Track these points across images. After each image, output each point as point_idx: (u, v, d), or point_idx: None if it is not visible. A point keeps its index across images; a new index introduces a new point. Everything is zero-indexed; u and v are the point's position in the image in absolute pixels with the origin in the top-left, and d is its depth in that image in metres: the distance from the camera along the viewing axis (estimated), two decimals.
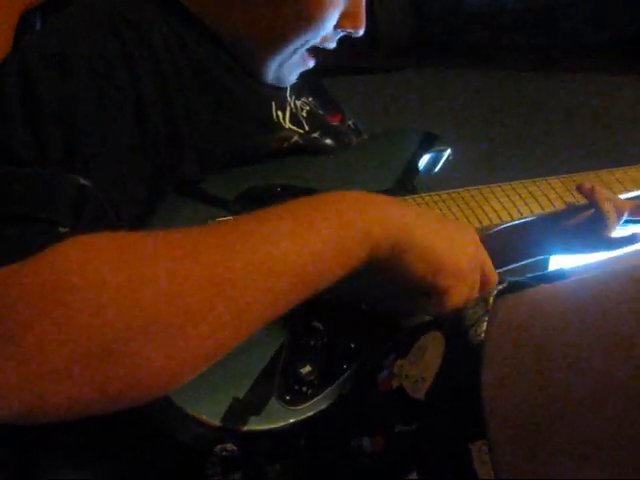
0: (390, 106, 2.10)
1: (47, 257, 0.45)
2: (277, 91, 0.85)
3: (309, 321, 0.64)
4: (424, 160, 0.89)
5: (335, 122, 0.94)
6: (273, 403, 0.58)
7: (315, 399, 0.60)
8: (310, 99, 0.92)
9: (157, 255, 0.47)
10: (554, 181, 0.94)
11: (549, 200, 0.91)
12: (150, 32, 0.69)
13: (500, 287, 0.58)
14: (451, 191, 0.86)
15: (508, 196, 0.88)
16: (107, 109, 0.63)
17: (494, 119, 2.17)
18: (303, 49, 0.80)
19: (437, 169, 0.92)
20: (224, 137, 0.74)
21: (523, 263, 1.02)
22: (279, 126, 0.82)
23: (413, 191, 0.83)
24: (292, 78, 0.85)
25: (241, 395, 0.58)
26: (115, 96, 0.63)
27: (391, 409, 0.57)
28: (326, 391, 0.61)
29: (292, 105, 0.86)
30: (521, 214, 0.88)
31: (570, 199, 0.93)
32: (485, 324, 0.54)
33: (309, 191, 0.77)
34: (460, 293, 0.61)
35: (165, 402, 0.54)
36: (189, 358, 0.48)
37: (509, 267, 1.01)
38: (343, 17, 0.79)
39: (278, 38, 0.78)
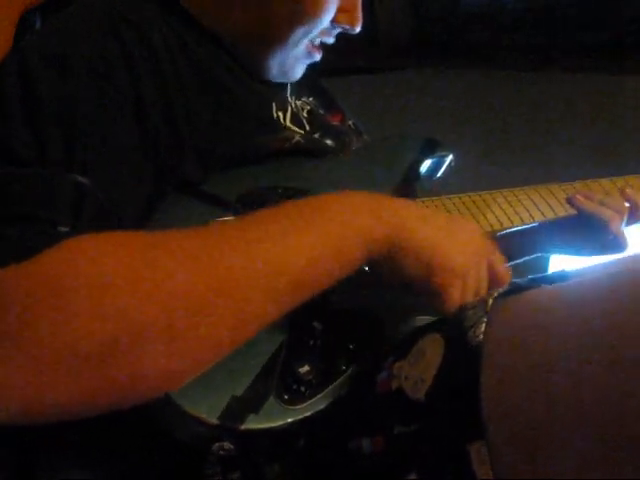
0: (390, 106, 2.10)
1: (46, 257, 0.45)
2: (278, 91, 0.85)
3: (309, 321, 0.64)
4: (425, 165, 0.89)
5: (336, 122, 0.94)
6: (271, 402, 0.59)
7: (313, 399, 0.60)
8: (311, 99, 0.92)
9: (157, 256, 0.47)
10: (555, 188, 0.94)
11: (550, 207, 0.91)
12: (150, 32, 0.69)
13: (500, 289, 0.58)
14: (452, 196, 0.86)
15: (509, 202, 0.89)
16: (107, 109, 0.63)
17: (494, 119, 2.17)
18: (304, 42, 0.80)
19: (439, 175, 0.92)
20: (224, 137, 0.74)
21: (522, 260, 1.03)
22: (280, 126, 0.82)
23: (413, 196, 0.83)
24: (298, 72, 0.85)
25: (239, 393, 0.58)
26: (115, 96, 0.63)
27: (390, 410, 0.57)
28: (324, 391, 0.61)
29: (293, 105, 0.86)
30: (522, 220, 0.88)
31: None
32: (484, 325, 0.54)
33: (310, 193, 0.77)
34: (457, 292, 0.61)
35: (163, 400, 0.54)
36: (189, 359, 0.47)
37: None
38: (340, 12, 0.79)
39: (277, 32, 0.78)
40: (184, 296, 0.46)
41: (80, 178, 0.57)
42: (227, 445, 0.57)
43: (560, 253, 1.01)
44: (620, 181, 0.99)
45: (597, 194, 0.93)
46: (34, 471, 0.62)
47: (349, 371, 0.63)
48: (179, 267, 0.47)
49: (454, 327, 0.57)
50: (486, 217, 0.85)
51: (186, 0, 0.77)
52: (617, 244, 0.91)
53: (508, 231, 0.89)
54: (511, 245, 0.99)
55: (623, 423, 0.44)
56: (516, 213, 0.88)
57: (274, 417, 0.58)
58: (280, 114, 0.83)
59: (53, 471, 0.63)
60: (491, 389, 0.50)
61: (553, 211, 0.92)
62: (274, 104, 0.82)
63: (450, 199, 0.85)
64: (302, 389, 0.60)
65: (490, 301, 0.56)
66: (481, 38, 2.26)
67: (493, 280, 0.66)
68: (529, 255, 1.01)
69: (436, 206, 0.83)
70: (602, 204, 0.91)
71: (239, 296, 0.49)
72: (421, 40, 2.28)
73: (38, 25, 0.89)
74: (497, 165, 1.95)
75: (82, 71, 0.63)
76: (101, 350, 0.43)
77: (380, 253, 0.58)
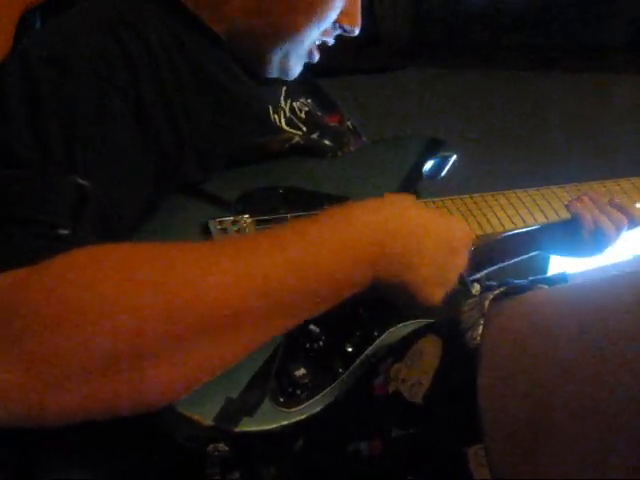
0: (390, 106, 2.10)
1: (55, 267, 0.45)
2: (272, 94, 0.85)
3: (306, 324, 0.64)
4: (428, 165, 0.89)
5: (334, 123, 0.94)
6: (267, 405, 0.58)
7: (309, 402, 0.60)
8: (309, 100, 0.92)
9: (160, 271, 0.47)
10: (559, 190, 0.94)
11: (553, 209, 0.91)
12: (148, 33, 0.69)
13: (497, 291, 0.58)
14: (454, 197, 0.85)
15: (512, 204, 0.88)
16: (107, 110, 0.63)
17: (494, 119, 2.17)
18: (307, 42, 0.81)
19: (442, 175, 0.92)
20: (224, 137, 0.74)
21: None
22: (279, 128, 0.82)
23: (415, 196, 0.83)
24: (297, 71, 0.85)
25: (235, 396, 0.58)
26: (115, 97, 0.63)
27: (388, 413, 0.57)
28: (320, 394, 0.61)
29: (287, 109, 0.86)
30: (525, 223, 0.88)
31: None
32: (481, 328, 0.54)
33: (312, 194, 0.77)
34: (440, 295, 0.61)
35: None
36: (192, 372, 0.48)
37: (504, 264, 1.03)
38: (342, 14, 0.81)
39: (280, 31, 0.78)
40: (186, 311, 0.46)
41: (81, 180, 0.57)
42: (222, 447, 0.57)
43: (561, 255, 1.02)
44: (625, 183, 1.00)
45: (603, 198, 0.94)
46: (34, 471, 0.62)
47: (346, 374, 0.63)
48: (182, 282, 0.47)
49: (451, 329, 0.57)
50: (488, 219, 0.85)
51: None
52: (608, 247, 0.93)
53: (511, 233, 0.89)
54: (512, 245, 1.00)
55: (622, 423, 0.44)
56: (518, 214, 0.88)
57: (269, 420, 0.58)
58: (276, 117, 0.83)
59: (53, 471, 0.63)
60: (489, 391, 0.51)
61: (556, 213, 0.92)
62: (270, 107, 0.82)
63: (452, 200, 0.85)
64: (298, 392, 0.60)
65: (487, 303, 0.56)
66: (481, 38, 2.25)
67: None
68: (528, 254, 1.02)
69: (437, 207, 0.82)
70: (602, 212, 0.92)
71: (241, 316, 0.49)
72: (421, 40, 2.27)
73: (38, 25, 0.90)
74: (497, 165, 1.95)
75: (82, 72, 0.63)
76: (103, 362, 0.44)
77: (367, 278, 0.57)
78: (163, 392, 0.47)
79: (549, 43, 2.25)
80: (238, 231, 0.68)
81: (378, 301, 0.68)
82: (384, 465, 0.55)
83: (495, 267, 1.05)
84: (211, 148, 0.72)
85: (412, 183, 0.85)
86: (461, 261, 0.64)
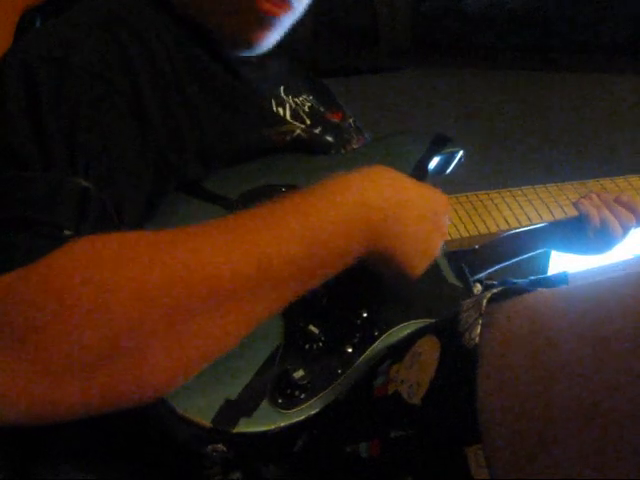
0: (390, 106, 2.10)
1: (51, 261, 0.45)
2: (272, 89, 0.85)
3: (305, 325, 0.64)
4: (435, 162, 0.88)
5: (336, 120, 0.93)
6: (265, 406, 0.58)
7: (308, 403, 0.60)
8: (311, 97, 0.92)
9: (158, 258, 0.48)
10: (565, 186, 0.94)
11: (560, 206, 0.91)
12: (146, 32, 0.69)
13: (494, 291, 0.58)
14: (459, 195, 0.85)
15: (518, 202, 0.88)
16: (108, 110, 0.63)
17: (494, 119, 2.17)
18: None
19: (448, 171, 0.92)
20: (224, 132, 0.74)
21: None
22: (281, 119, 0.82)
23: None
24: (261, 39, 0.80)
25: (233, 397, 0.58)
26: (115, 96, 0.63)
27: (387, 414, 0.57)
28: (319, 395, 0.60)
29: (291, 102, 0.86)
30: (530, 221, 0.88)
31: None
32: (479, 328, 0.54)
33: None
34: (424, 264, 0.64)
35: (158, 402, 0.54)
36: (191, 358, 0.48)
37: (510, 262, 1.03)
38: None
39: None
40: (187, 295, 0.46)
41: (83, 181, 0.57)
42: (220, 447, 0.57)
43: (567, 252, 1.02)
44: (635, 179, 0.99)
45: (610, 196, 0.93)
46: (34, 471, 0.62)
47: (345, 375, 0.63)
48: (179, 270, 0.47)
49: (449, 329, 0.57)
50: (494, 218, 0.85)
51: None
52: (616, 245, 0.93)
53: (517, 230, 0.89)
54: (519, 243, 1.00)
55: (622, 424, 0.44)
56: (524, 212, 0.88)
57: (267, 421, 0.58)
58: (280, 110, 0.83)
59: (53, 471, 0.63)
60: (487, 392, 0.50)
61: (562, 210, 0.91)
62: (273, 100, 0.82)
63: (457, 198, 0.85)
64: (296, 393, 0.59)
65: (484, 302, 0.56)
66: (481, 38, 2.26)
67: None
68: (535, 252, 1.02)
69: None
70: (610, 210, 0.92)
71: (240, 293, 0.49)
72: (421, 40, 2.28)
73: (38, 25, 0.89)
74: (496, 165, 1.95)
75: (81, 72, 0.63)
76: (103, 353, 0.44)
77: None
78: (165, 376, 0.47)
79: (549, 43, 2.25)
80: None
81: (378, 303, 0.68)
82: (383, 466, 0.55)
83: (501, 265, 1.05)
84: (212, 144, 0.72)
85: (418, 180, 0.84)
86: (442, 231, 0.67)
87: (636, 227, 0.96)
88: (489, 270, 1.05)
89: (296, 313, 0.62)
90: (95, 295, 0.44)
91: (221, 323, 0.49)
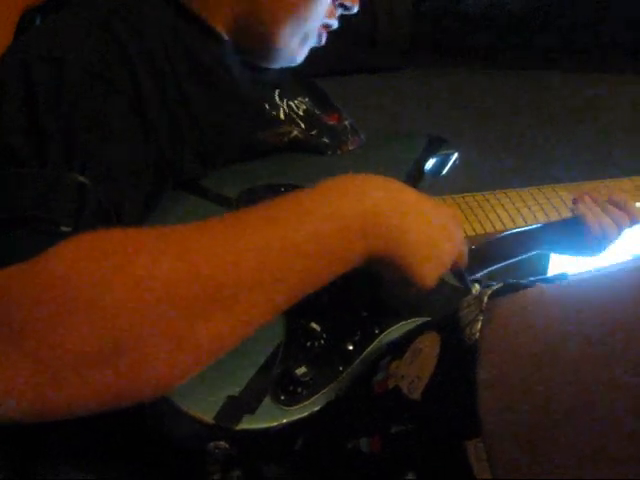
0: (390, 106, 2.10)
1: (48, 258, 0.45)
2: (266, 93, 0.85)
3: (306, 322, 0.64)
4: (430, 163, 0.89)
5: (332, 122, 0.93)
6: (268, 403, 0.58)
7: (310, 400, 0.60)
8: (306, 99, 0.92)
9: (157, 255, 0.47)
10: (560, 188, 0.94)
11: (555, 208, 0.91)
12: (143, 27, 0.70)
13: (495, 287, 0.58)
14: (456, 196, 0.85)
15: (514, 203, 0.88)
16: (107, 109, 0.63)
17: (494, 119, 2.17)
18: (310, 21, 0.81)
19: (444, 173, 0.92)
20: (223, 130, 0.74)
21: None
22: (277, 121, 0.82)
23: None
24: (303, 54, 0.86)
25: (236, 394, 0.58)
26: (113, 94, 0.64)
27: (387, 409, 0.57)
28: (321, 392, 0.61)
29: (285, 107, 0.86)
30: (526, 222, 0.88)
31: None
32: (479, 323, 0.54)
33: None
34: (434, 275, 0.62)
35: (160, 399, 0.55)
36: (192, 355, 0.48)
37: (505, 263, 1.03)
38: None
39: (279, 10, 0.79)
40: (188, 293, 0.46)
41: (81, 178, 0.57)
42: (223, 444, 0.57)
43: (562, 253, 1.02)
44: (626, 182, 1.00)
45: (603, 197, 0.94)
46: (34, 471, 0.62)
47: (346, 372, 0.63)
48: (180, 266, 0.47)
49: (450, 325, 0.57)
50: (490, 219, 0.85)
51: None
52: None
53: (512, 231, 0.89)
54: (514, 244, 1.00)
55: (622, 419, 0.44)
56: (519, 214, 0.88)
57: (270, 418, 0.58)
58: (274, 113, 0.83)
59: (53, 471, 0.63)
60: (487, 387, 0.51)
61: (557, 211, 0.91)
62: (266, 105, 0.83)
63: (454, 199, 0.85)
64: (299, 390, 0.60)
65: (485, 299, 0.56)
66: (481, 38, 2.26)
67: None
68: (530, 253, 1.02)
69: None
70: (604, 211, 0.92)
71: (238, 292, 0.49)
72: (420, 40, 2.28)
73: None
74: (496, 165, 1.95)
75: (80, 70, 0.63)
76: (104, 350, 0.44)
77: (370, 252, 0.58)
78: (167, 373, 0.47)
79: (549, 43, 2.25)
80: None
81: (379, 301, 0.69)
82: (384, 461, 0.55)
83: (496, 266, 1.06)
84: (210, 143, 0.73)
85: (414, 181, 0.85)
86: (456, 245, 0.65)
87: (630, 227, 0.96)
88: (486, 270, 1.05)
89: (298, 311, 0.62)
90: (95, 291, 0.44)
91: (222, 322, 0.49)
